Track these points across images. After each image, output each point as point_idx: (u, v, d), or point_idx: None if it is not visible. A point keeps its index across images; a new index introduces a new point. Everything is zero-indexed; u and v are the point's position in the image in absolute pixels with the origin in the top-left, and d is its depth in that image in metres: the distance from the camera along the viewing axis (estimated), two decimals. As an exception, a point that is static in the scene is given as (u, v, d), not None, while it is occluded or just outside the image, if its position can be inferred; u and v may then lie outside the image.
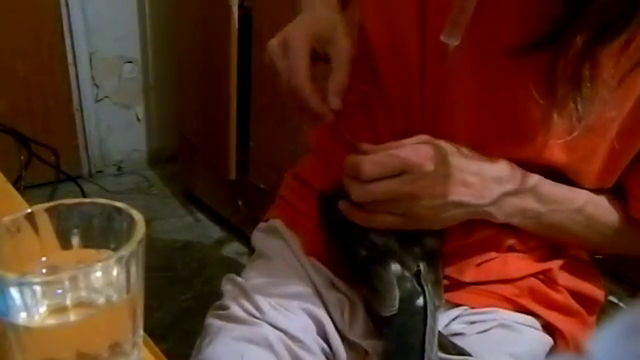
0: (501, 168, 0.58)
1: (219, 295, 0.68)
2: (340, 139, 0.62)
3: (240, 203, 1.90)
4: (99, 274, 0.34)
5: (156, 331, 1.52)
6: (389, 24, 0.63)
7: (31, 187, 1.69)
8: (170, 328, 1.57)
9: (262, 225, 0.78)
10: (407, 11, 0.60)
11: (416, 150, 0.56)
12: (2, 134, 1.57)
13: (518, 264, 0.65)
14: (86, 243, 0.39)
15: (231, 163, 1.79)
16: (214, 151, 1.90)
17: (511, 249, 0.65)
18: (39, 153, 1.65)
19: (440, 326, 0.63)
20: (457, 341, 0.61)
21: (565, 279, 0.66)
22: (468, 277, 0.64)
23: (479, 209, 0.58)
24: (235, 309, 0.64)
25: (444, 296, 0.63)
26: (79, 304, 0.35)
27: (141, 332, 0.38)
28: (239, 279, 0.68)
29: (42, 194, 1.75)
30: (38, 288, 0.34)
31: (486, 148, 0.58)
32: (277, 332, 0.61)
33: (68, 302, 0.35)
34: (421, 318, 0.57)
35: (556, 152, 0.57)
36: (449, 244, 0.64)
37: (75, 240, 0.39)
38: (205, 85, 1.90)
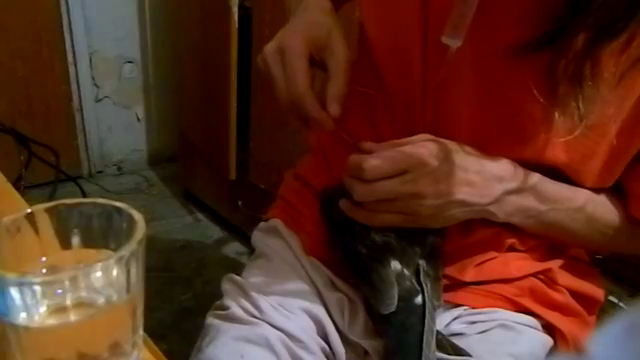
0: (503, 167, 0.58)
1: (219, 295, 0.68)
2: (340, 138, 0.62)
3: (240, 203, 1.90)
4: (99, 274, 0.34)
5: (156, 331, 1.51)
6: (389, 25, 0.63)
7: (31, 187, 1.69)
8: (170, 328, 1.57)
9: (262, 225, 0.78)
10: (409, 12, 0.60)
11: (418, 148, 0.56)
12: (2, 134, 1.57)
13: (518, 264, 0.65)
14: (86, 243, 0.39)
15: (231, 163, 1.79)
16: (214, 151, 1.90)
17: (511, 249, 0.65)
18: (39, 153, 1.65)
19: (440, 326, 0.63)
20: (457, 341, 0.61)
21: (565, 279, 0.66)
22: (468, 277, 0.64)
23: (480, 208, 0.58)
24: (235, 309, 0.64)
25: (444, 296, 0.63)
26: (79, 304, 0.35)
27: (141, 332, 0.38)
28: (239, 279, 0.68)
29: (42, 194, 1.75)
30: (38, 288, 0.34)
31: (487, 148, 0.58)
32: (277, 332, 0.61)
33: (68, 302, 0.35)
34: (419, 317, 0.57)
35: (557, 151, 0.57)
36: (449, 244, 0.64)
37: (75, 240, 0.39)
38: (205, 85, 1.90)
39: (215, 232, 2.07)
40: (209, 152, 1.98)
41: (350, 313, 0.66)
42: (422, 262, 0.61)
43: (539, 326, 0.66)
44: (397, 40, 0.62)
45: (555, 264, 0.66)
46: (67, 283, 0.34)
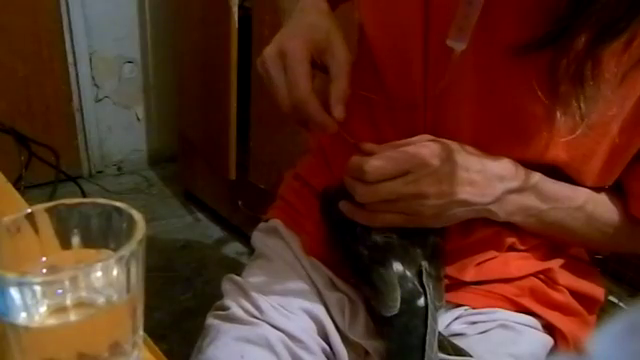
0: (504, 166, 0.58)
1: (219, 295, 0.68)
2: (340, 139, 0.62)
3: (240, 203, 1.90)
4: (99, 274, 0.34)
5: (156, 331, 1.51)
6: (389, 25, 0.63)
7: (31, 187, 1.69)
8: (170, 328, 1.57)
9: (262, 225, 0.78)
10: (409, 13, 0.60)
11: (420, 149, 0.56)
12: (2, 134, 1.57)
13: (518, 263, 0.65)
14: (86, 243, 0.39)
15: (231, 163, 1.79)
16: (214, 151, 1.90)
17: (511, 248, 0.65)
18: (39, 153, 1.65)
19: (441, 326, 0.63)
20: (458, 342, 0.61)
21: (565, 279, 0.66)
22: (468, 276, 0.64)
23: (482, 207, 0.58)
24: (235, 309, 0.64)
25: (445, 296, 0.63)
26: (79, 304, 0.35)
27: (141, 332, 0.38)
28: (239, 279, 0.68)
29: (42, 194, 1.75)
30: (38, 288, 0.34)
31: (489, 148, 0.58)
32: (277, 332, 0.61)
33: (68, 302, 0.35)
34: (422, 319, 0.57)
35: (558, 151, 0.57)
36: (449, 243, 0.64)
37: (75, 240, 0.39)
38: (205, 85, 1.90)
39: (215, 232, 2.07)
40: (209, 152, 1.97)
41: (350, 313, 0.66)
42: (424, 263, 0.60)
43: (539, 326, 0.66)
44: (397, 40, 0.62)
45: (555, 264, 0.66)
46: (67, 283, 0.34)
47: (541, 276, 0.66)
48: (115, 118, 2.40)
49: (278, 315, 0.63)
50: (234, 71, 1.66)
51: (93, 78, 2.29)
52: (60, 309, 0.35)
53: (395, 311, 0.57)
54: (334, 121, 0.57)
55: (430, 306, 0.58)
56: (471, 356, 0.59)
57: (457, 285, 0.65)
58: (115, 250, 0.36)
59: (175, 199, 2.28)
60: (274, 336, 0.61)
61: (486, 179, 0.57)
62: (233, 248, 1.98)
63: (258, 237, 0.76)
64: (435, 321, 0.58)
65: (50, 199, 0.42)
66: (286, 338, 0.61)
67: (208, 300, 0.69)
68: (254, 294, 0.64)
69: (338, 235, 0.65)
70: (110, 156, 2.45)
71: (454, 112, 0.60)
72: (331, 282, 0.68)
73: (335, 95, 0.57)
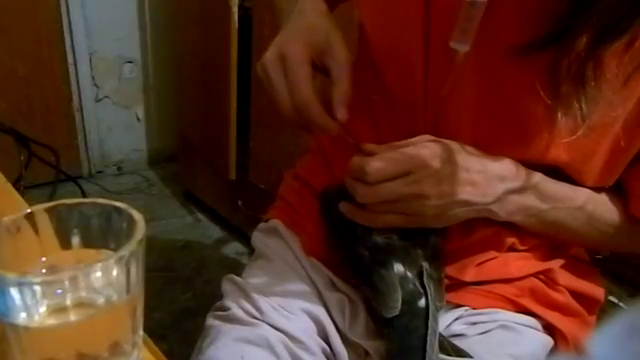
0: (505, 166, 0.58)
1: (219, 295, 0.68)
2: (341, 139, 0.62)
3: (240, 203, 1.90)
4: (99, 274, 0.34)
5: (156, 331, 1.51)
6: (389, 25, 0.63)
7: (31, 187, 1.69)
8: (170, 328, 1.57)
9: (262, 225, 0.78)
10: (410, 13, 0.59)
11: (421, 149, 0.56)
12: (2, 134, 1.56)
13: (518, 264, 0.65)
14: (86, 243, 0.39)
15: (231, 163, 1.79)
16: (214, 151, 1.90)
17: (511, 248, 0.65)
18: (39, 153, 1.65)
19: (441, 327, 0.63)
20: (458, 342, 0.61)
21: (566, 279, 0.66)
22: (468, 277, 0.64)
23: (483, 207, 0.58)
24: (235, 310, 0.64)
25: (445, 296, 0.63)
26: (79, 304, 0.35)
27: (141, 332, 0.38)
28: (239, 279, 0.68)
29: (42, 194, 1.75)
30: (38, 288, 0.34)
31: (489, 148, 0.58)
32: (277, 333, 0.61)
33: (68, 302, 0.35)
34: (423, 320, 0.57)
35: (558, 151, 0.57)
36: (449, 244, 0.63)
37: (75, 240, 0.39)
38: (205, 85, 1.90)
39: (215, 232, 2.07)
40: (209, 152, 1.97)
41: (351, 313, 0.65)
42: (425, 264, 0.60)
43: (539, 327, 0.66)
44: (398, 41, 0.62)
45: (555, 264, 0.66)
46: (67, 283, 0.34)
47: (541, 276, 0.66)
48: (115, 118, 2.40)
49: (278, 316, 0.63)
50: (234, 71, 1.66)
51: (93, 78, 2.29)
52: (60, 309, 0.35)
53: (396, 312, 0.57)
54: (336, 123, 0.57)
55: (431, 307, 0.58)
56: (471, 357, 0.59)
57: (457, 285, 0.65)
58: (115, 250, 0.36)
59: (175, 199, 2.28)
60: (274, 337, 0.61)
61: (487, 179, 0.57)
62: (233, 248, 1.98)
63: (258, 237, 0.76)
64: (436, 322, 0.58)
65: (50, 199, 0.42)
66: (286, 339, 0.61)
67: (208, 300, 0.69)
68: (254, 295, 0.64)
69: (338, 236, 0.65)
70: (110, 156, 2.45)
71: (455, 112, 0.60)
72: (331, 282, 0.68)
73: (337, 98, 0.57)
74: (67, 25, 2.14)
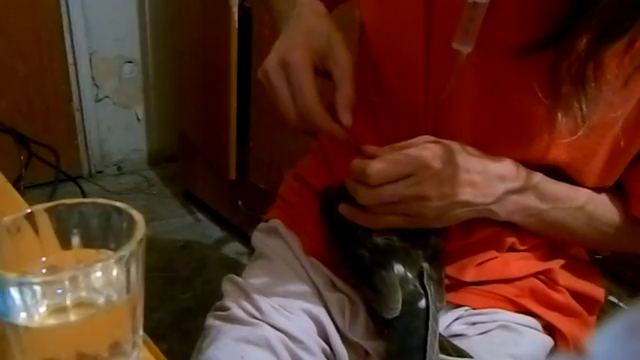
0: (505, 166, 0.58)
1: (219, 295, 0.68)
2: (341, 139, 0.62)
3: (240, 203, 1.90)
4: (99, 274, 0.34)
5: (156, 331, 1.51)
6: (390, 25, 0.63)
7: (31, 187, 1.69)
8: (170, 328, 1.57)
9: (262, 225, 0.78)
10: (411, 13, 0.59)
11: (421, 151, 0.56)
12: (2, 134, 1.56)
13: (519, 264, 0.65)
14: (86, 243, 0.39)
15: (231, 163, 1.79)
16: (214, 151, 1.90)
17: (511, 248, 0.65)
18: (39, 153, 1.65)
19: (441, 327, 0.63)
20: (458, 342, 0.61)
21: (566, 279, 0.66)
22: (468, 277, 0.64)
23: (483, 207, 0.58)
24: (235, 310, 0.64)
25: (445, 297, 0.63)
26: (79, 304, 0.35)
27: (141, 332, 0.38)
28: (239, 280, 0.68)
29: (42, 194, 1.75)
30: (38, 288, 0.34)
31: (490, 149, 0.58)
32: (277, 333, 0.61)
33: (68, 302, 0.35)
34: (423, 320, 0.57)
35: (559, 152, 0.57)
36: (449, 244, 0.64)
37: (75, 240, 0.39)
38: (205, 85, 1.90)
39: (215, 232, 2.07)
40: (209, 152, 1.97)
41: (351, 313, 0.65)
42: (425, 265, 0.60)
43: (539, 327, 0.66)
44: (399, 41, 0.62)
45: (555, 264, 0.66)
46: (67, 283, 0.34)
47: (541, 276, 0.66)
48: (115, 118, 2.40)
49: (278, 316, 0.63)
50: (234, 71, 1.66)
51: (93, 78, 2.29)
52: (60, 309, 0.35)
53: (396, 313, 0.57)
54: (342, 129, 0.57)
55: (431, 307, 0.58)
56: (471, 357, 0.59)
57: (457, 285, 0.65)
58: (115, 250, 0.36)
59: (175, 199, 2.29)
60: (274, 337, 0.61)
61: (487, 180, 0.57)
62: (233, 248, 1.98)
63: (258, 237, 0.76)
64: (436, 322, 0.58)
65: (50, 199, 0.42)
66: (286, 339, 0.61)
67: (208, 300, 0.69)
68: (254, 295, 0.64)
69: (338, 237, 0.65)
70: (110, 156, 2.45)
71: (456, 113, 0.60)
72: (331, 282, 0.68)
73: (341, 102, 0.57)
74: (67, 25, 2.14)
